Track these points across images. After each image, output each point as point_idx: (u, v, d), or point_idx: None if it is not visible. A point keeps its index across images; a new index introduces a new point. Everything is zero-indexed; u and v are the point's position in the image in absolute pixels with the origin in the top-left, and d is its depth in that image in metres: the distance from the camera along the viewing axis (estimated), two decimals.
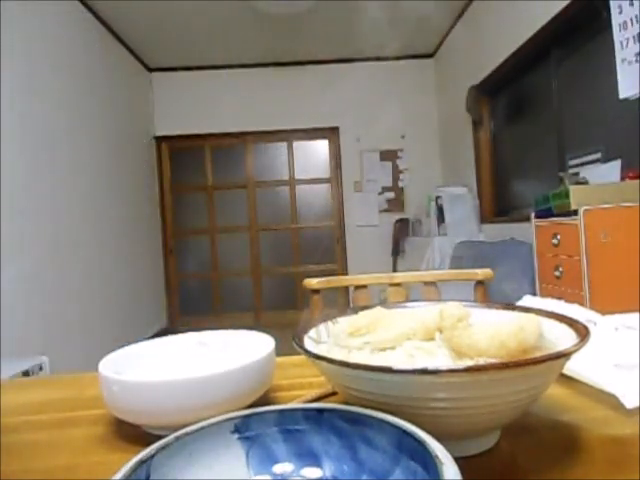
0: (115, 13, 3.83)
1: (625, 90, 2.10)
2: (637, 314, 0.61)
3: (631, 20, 2.05)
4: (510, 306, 0.48)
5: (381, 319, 0.43)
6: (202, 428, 0.29)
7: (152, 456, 0.26)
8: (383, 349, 0.40)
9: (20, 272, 2.62)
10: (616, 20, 2.13)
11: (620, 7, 2.10)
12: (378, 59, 5.05)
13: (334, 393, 0.49)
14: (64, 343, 3.00)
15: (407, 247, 4.86)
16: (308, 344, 0.41)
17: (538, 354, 0.34)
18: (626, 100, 2.15)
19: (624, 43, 2.10)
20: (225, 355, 0.54)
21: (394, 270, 4.86)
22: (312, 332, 0.45)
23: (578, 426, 0.40)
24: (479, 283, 1.19)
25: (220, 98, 5.09)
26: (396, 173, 5.22)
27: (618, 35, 2.13)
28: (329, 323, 0.48)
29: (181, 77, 5.11)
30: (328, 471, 0.29)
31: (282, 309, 5.26)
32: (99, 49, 3.89)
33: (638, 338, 0.52)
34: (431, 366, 0.30)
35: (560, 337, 0.38)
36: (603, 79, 2.58)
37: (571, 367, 0.48)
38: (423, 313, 0.44)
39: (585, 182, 2.23)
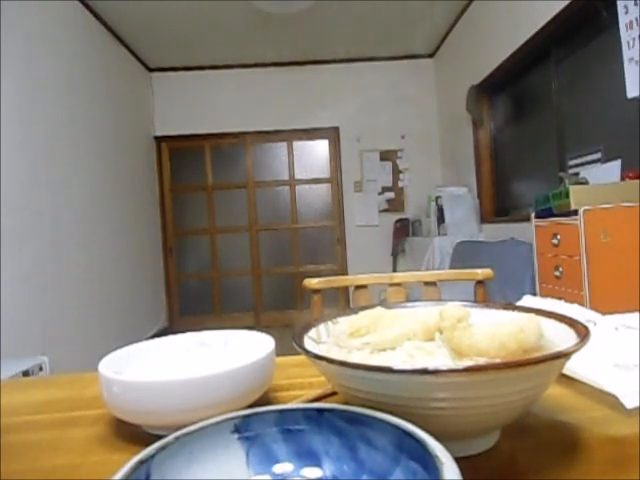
0: (115, 13, 3.83)
1: (633, 90, 2.10)
2: (637, 314, 0.62)
3: (637, 20, 2.05)
4: (510, 306, 0.48)
5: (381, 319, 0.43)
6: (202, 428, 0.29)
7: (152, 456, 0.26)
8: (383, 349, 0.40)
9: (20, 272, 2.62)
10: (622, 20, 2.13)
11: (626, 7, 2.10)
12: (378, 59, 5.06)
13: (334, 393, 0.49)
14: (64, 343, 3.00)
15: (407, 247, 4.86)
16: (308, 344, 0.41)
17: (538, 354, 0.34)
18: (626, 100, 2.15)
19: (630, 43, 2.10)
20: (225, 355, 0.55)
21: (394, 270, 4.86)
22: (312, 332, 0.45)
23: (578, 426, 0.40)
24: (479, 283, 1.19)
25: (220, 98, 5.09)
26: (396, 173, 5.22)
27: (625, 35, 2.12)
28: (329, 323, 0.48)
29: (181, 77, 5.11)
30: (328, 471, 0.29)
31: (282, 309, 5.26)
32: (99, 49, 3.89)
33: (638, 338, 0.52)
34: (431, 366, 0.30)
35: (560, 337, 0.38)
36: (603, 79, 2.58)
37: (571, 367, 0.48)
38: (423, 313, 0.44)
39: (585, 182, 2.23)
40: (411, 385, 0.31)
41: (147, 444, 0.28)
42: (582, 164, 2.75)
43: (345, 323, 0.44)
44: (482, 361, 0.35)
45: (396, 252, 4.96)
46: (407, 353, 0.38)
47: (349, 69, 5.09)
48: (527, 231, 2.70)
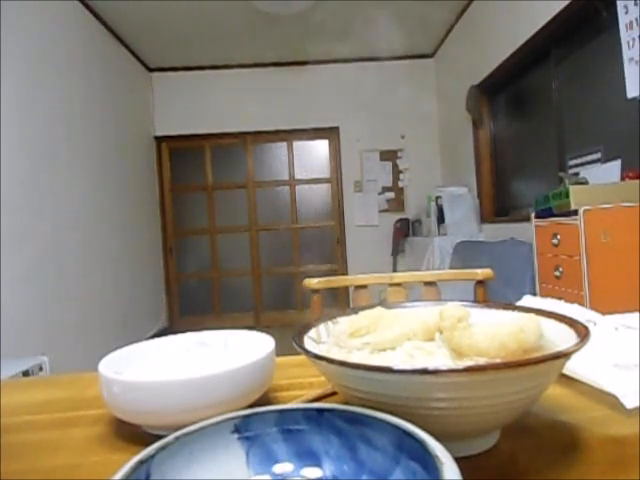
0: (115, 13, 3.83)
1: (633, 90, 2.10)
2: (637, 314, 0.61)
3: (637, 20, 2.05)
4: (510, 306, 0.48)
5: (381, 319, 0.43)
6: (202, 428, 0.29)
7: (152, 456, 0.26)
8: (383, 349, 0.40)
9: (20, 272, 2.62)
10: (622, 20, 2.13)
11: (626, 7, 2.10)
12: (378, 59, 5.05)
13: (334, 393, 0.49)
14: (64, 343, 3.00)
15: (407, 247, 4.86)
16: (308, 344, 0.41)
17: (538, 354, 0.34)
18: (626, 100, 2.15)
19: (630, 43, 2.10)
20: (225, 355, 0.55)
21: (394, 270, 4.86)
22: (312, 332, 0.45)
23: (578, 426, 0.40)
24: (479, 283, 1.19)
25: (220, 98, 5.09)
26: (396, 173, 5.22)
27: (625, 35, 2.12)
28: (329, 323, 0.48)
29: (181, 77, 5.11)
30: (328, 471, 0.29)
31: (282, 309, 5.26)
32: (99, 49, 3.89)
33: (638, 338, 0.52)
34: (431, 366, 0.30)
35: (560, 337, 0.38)
36: (603, 79, 2.58)
37: (571, 367, 0.48)
38: (423, 313, 0.44)
39: (585, 182, 2.23)
40: (411, 385, 0.31)
41: (147, 444, 0.28)
42: (582, 164, 2.75)
43: (345, 323, 0.44)
44: (482, 361, 0.35)
45: (396, 252, 4.96)
46: (407, 353, 0.38)
47: (349, 69, 5.09)
48: (527, 231, 2.70)
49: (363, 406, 0.30)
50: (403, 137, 5.18)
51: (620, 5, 2.14)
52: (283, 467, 0.30)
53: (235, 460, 0.29)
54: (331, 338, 0.45)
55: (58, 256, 3.02)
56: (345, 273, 5.12)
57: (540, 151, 3.36)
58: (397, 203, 5.23)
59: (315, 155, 5.33)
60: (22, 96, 2.77)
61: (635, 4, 2.06)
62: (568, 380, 0.49)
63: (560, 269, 2.13)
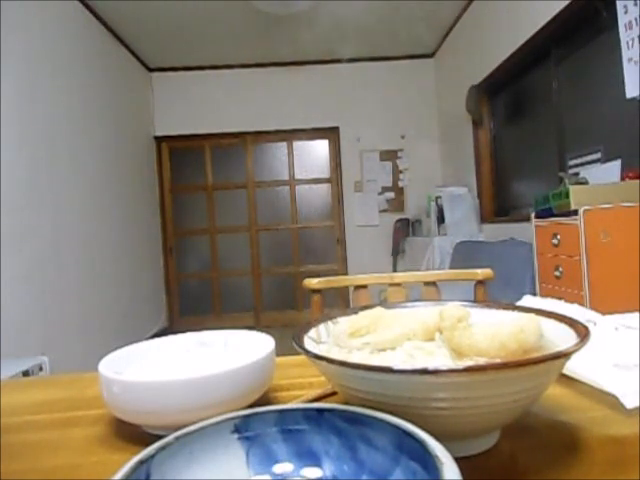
0: (115, 13, 3.83)
1: (632, 90, 2.10)
2: (637, 314, 0.62)
3: (636, 20, 2.06)
4: (510, 306, 0.48)
5: (381, 319, 0.43)
6: (202, 428, 0.29)
7: (152, 456, 0.26)
8: (383, 349, 0.40)
9: (20, 272, 2.62)
10: (622, 20, 2.13)
11: (625, 7, 2.10)
12: (378, 59, 5.05)
13: (334, 393, 0.49)
14: (64, 343, 3.00)
15: (407, 247, 4.86)
16: (308, 344, 0.41)
17: (538, 354, 0.34)
18: (626, 100, 2.15)
19: (630, 43, 2.10)
20: (225, 355, 0.55)
21: (394, 270, 4.86)
22: (312, 332, 0.45)
23: (578, 426, 0.40)
24: (479, 283, 1.19)
25: (220, 98, 5.09)
26: (396, 173, 5.22)
27: (624, 35, 2.12)
28: (329, 323, 0.48)
29: (181, 77, 5.11)
30: (328, 471, 0.29)
31: (282, 309, 5.26)
32: (99, 49, 3.89)
33: (638, 338, 0.52)
34: (431, 366, 0.30)
35: (560, 337, 0.38)
36: (603, 79, 2.58)
37: (571, 367, 0.48)
38: (423, 313, 0.44)
39: (585, 182, 2.23)
40: (411, 385, 0.31)
41: (147, 444, 0.28)
42: (582, 164, 2.75)
43: (345, 323, 0.44)
44: (482, 361, 0.35)
45: (396, 252, 4.96)
46: (407, 353, 0.38)
47: (349, 69, 5.08)
48: (527, 231, 2.70)
49: (363, 406, 0.30)
50: (403, 137, 5.18)
51: (620, 5, 2.14)
52: (283, 467, 0.30)
53: (235, 460, 0.29)
54: (331, 338, 0.45)
55: (58, 256, 3.02)
56: (345, 273, 5.12)
57: (540, 151, 3.36)
58: (397, 203, 5.23)
59: (315, 155, 5.33)
60: (22, 96, 2.77)
61: (635, 4, 2.06)
62: (568, 380, 0.49)
63: (560, 269, 2.13)
